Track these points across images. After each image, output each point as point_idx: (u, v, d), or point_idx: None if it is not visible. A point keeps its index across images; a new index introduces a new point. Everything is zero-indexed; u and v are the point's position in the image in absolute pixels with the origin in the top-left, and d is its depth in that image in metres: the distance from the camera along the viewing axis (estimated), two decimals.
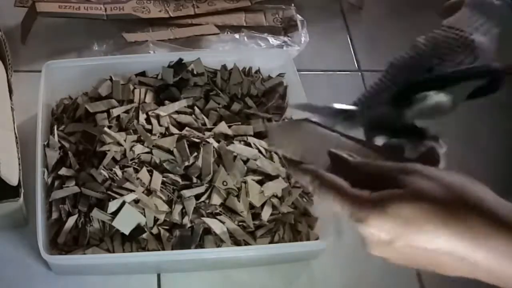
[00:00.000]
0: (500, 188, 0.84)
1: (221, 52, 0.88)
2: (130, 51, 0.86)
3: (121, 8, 0.90)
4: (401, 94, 0.55)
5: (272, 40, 0.91)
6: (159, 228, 0.67)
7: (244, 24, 0.93)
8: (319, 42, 0.95)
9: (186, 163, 0.70)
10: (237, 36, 0.91)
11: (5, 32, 0.75)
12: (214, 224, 0.68)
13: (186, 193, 0.68)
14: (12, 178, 0.64)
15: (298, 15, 0.94)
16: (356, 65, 0.96)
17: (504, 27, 0.57)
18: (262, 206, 0.70)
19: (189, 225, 0.68)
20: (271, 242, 0.69)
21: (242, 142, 0.73)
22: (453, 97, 0.54)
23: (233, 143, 0.72)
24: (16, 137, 0.69)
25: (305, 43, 0.92)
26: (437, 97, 0.54)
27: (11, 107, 0.73)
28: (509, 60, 0.58)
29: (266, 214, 0.70)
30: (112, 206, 0.65)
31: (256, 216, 0.70)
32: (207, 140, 0.71)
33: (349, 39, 0.99)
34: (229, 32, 0.92)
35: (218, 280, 0.71)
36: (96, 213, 0.66)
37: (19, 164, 0.67)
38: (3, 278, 0.68)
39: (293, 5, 0.96)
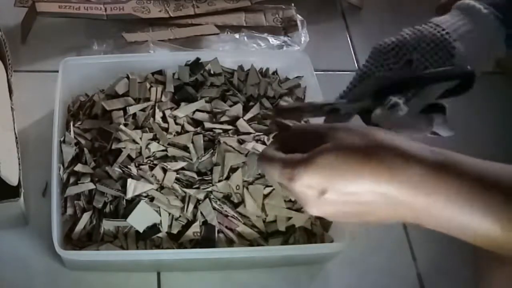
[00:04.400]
0: None
1: (238, 53, 0.88)
2: (130, 51, 0.86)
3: (121, 8, 0.90)
4: (382, 91, 0.56)
5: (272, 40, 0.91)
6: (177, 221, 0.68)
7: (244, 24, 0.93)
8: (319, 42, 0.95)
9: (201, 160, 0.70)
10: (237, 36, 0.91)
11: (5, 32, 0.75)
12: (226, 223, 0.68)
13: (200, 189, 0.68)
14: (12, 178, 0.64)
15: (298, 15, 0.95)
16: (356, 65, 0.95)
17: (487, 35, 0.58)
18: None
19: (202, 220, 0.68)
20: (285, 244, 0.69)
21: (259, 142, 0.72)
22: (409, 109, 0.57)
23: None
24: (16, 137, 0.69)
25: (305, 43, 0.92)
26: (400, 107, 0.56)
27: (11, 107, 0.73)
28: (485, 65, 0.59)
29: (281, 224, 0.70)
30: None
31: (270, 223, 0.70)
32: (223, 137, 0.71)
33: (349, 39, 0.99)
34: (229, 32, 0.92)
35: (218, 279, 0.71)
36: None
37: (19, 164, 0.67)
38: (3, 279, 0.68)
39: (293, 5, 0.96)
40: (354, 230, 0.68)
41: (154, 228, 0.67)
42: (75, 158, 0.72)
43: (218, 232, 0.68)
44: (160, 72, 0.80)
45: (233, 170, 0.70)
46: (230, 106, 0.77)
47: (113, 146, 0.71)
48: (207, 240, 0.67)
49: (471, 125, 0.89)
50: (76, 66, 0.78)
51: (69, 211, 0.69)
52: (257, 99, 0.80)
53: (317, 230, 0.71)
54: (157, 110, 0.74)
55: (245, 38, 0.91)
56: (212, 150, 0.70)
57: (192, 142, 0.71)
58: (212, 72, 0.80)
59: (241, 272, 0.71)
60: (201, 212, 0.68)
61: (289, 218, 0.70)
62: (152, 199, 0.68)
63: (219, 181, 0.69)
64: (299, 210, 0.71)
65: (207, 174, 0.70)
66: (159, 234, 0.67)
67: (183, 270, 0.71)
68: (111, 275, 0.69)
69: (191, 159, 0.70)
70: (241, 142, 0.72)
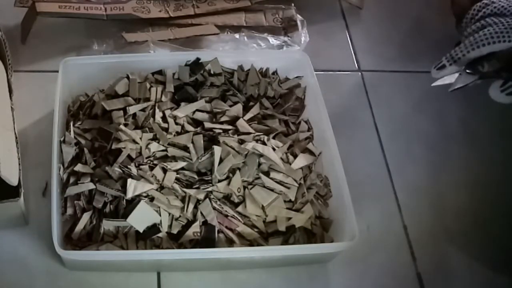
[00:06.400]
0: (501, 189, 0.85)
1: (238, 53, 0.88)
2: (130, 51, 0.86)
3: (121, 8, 0.90)
4: None
5: (272, 40, 0.91)
6: (177, 221, 0.68)
7: (244, 24, 0.93)
8: (319, 42, 0.95)
9: (201, 160, 0.70)
10: (237, 36, 0.91)
11: (5, 32, 0.75)
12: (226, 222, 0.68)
13: (200, 189, 0.69)
14: (12, 178, 0.64)
15: (298, 15, 0.95)
16: (356, 65, 0.96)
17: None
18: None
19: (202, 220, 0.68)
20: (285, 244, 0.69)
21: (259, 142, 0.73)
22: None
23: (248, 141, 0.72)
24: (16, 137, 0.70)
25: (305, 43, 0.92)
26: None
27: (11, 107, 0.73)
28: None
29: (281, 224, 0.70)
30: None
31: (270, 223, 0.70)
32: (223, 137, 0.71)
33: (349, 39, 0.99)
34: (229, 32, 0.92)
35: (218, 279, 0.71)
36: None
37: (19, 164, 0.67)
38: (3, 279, 0.68)
39: (293, 5, 0.96)
40: None
41: (154, 228, 0.67)
42: (75, 158, 0.72)
43: (218, 232, 0.68)
44: (160, 72, 0.80)
45: (233, 170, 0.70)
46: (230, 106, 0.77)
47: (113, 146, 0.71)
48: (207, 240, 0.67)
49: (471, 126, 0.89)
50: (76, 66, 0.78)
51: (69, 211, 0.69)
52: (257, 99, 0.80)
53: (317, 230, 0.71)
54: (157, 110, 0.74)
55: (245, 38, 0.91)
56: (212, 150, 0.70)
57: (192, 142, 0.71)
58: (212, 72, 0.80)
59: (241, 272, 0.71)
60: (201, 212, 0.68)
61: (289, 218, 0.70)
62: (152, 199, 0.68)
63: (219, 181, 0.69)
64: (299, 210, 0.71)
65: (207, 174, 0.70)
66: (159, 234, 0.67)
67: (183, 270, 0.71)
68: (111, 275, 0.69)
69: (191, 159, 0.70)
70: (241, 142, 0.72)
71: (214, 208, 0.68)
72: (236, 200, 0.70)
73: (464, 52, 0.70)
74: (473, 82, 0.72)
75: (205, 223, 0.68)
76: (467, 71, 0.71)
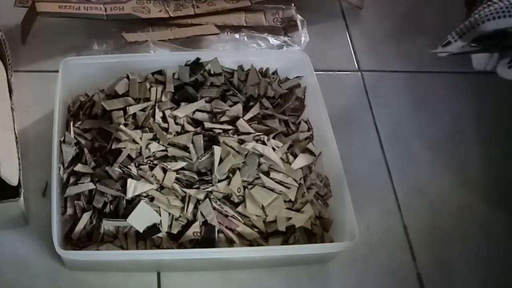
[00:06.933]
0: (501, 189, 0.85)
1: (238, 53, 0.89)
2: (130, 51, 0.86)
3: (121, 8, 0.90)
4: None
5: (272, 40, 0.91)
6: (177, 221, 0.68)
7: (244, 24, 0.93)
8: (319, 42, 0.95)
9: (201, 160, 0.70)
10: (237, 36, 0.91)
11: (5, 32, 0.76)
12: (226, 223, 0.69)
13: (200, 189, 0.69)
14: (12, 178, 0.64)
15: (298, 15, 0.95)
16: (356, 65, 0.96)
17: None
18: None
19: (202, 220, 0.68)
20: (285, 244, 0.69)
21: (259, 142, 0.73)
22: None
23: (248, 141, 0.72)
24: (16, 137, 0.70)
25: (305, 43, 0.92)
26: None
27: (11, 107, 0.73)
28: None
29: (281, 224, 0.70)
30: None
31: (270, 223, 0.70)
32: (223, 137, 0.71)
33: (349, 39, 0.99)
34: (229, 32, 0.92)
35: (218, 279, 0.71)
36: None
37: (19, 164, 0.67)
38: (3, 279, 0.68)
39: (293, 5, 0.96)
40: None
41: (154, 228, 0.67)
42: (75, 158, 0.72)
43: (218, 232, 0.68)
44: (160, 72, 0.80)
45: (233, 170, 0.70)
46: (230, 106, 0.77)
47: (113, 146, 0.71)
48: (207, 240, 0.67)
49: (471, 125, 0.89)
50: (76, 66, 0.78)
51: (69, 211, 0.69)
52: (257, 99, 0.80)
53: (317, 230, 0.71)
54: (157, 110, 0.74)
55: (245, 38, 0.91)
56: (212, 150, 0.70)
57: (192, 142, 0.71)
58: (212, 72, 0.80)
59: (241, 272, 0.71)
60: (201, 212, 0.68)
61: (289, 218, 0.70)
62: (152, 199, 0.68)
63: (219, 181, 0.69)
64: (299, 210, 0.71)
65: (207, 174, 0.70)
66: (159, 234, 0.67)
67: (183, 270, 0.71)
68: (111, 275, 0.69)
69: (191, 159, 0.70)
70: (241, 142, 0.72)
71: (214, 208, 0.68)
72: (236, 200, 0.70)
73: (469, 27, 0.71)
74: (472, 53, 0.73)
75: (205, 223, 0.68)
76: (472, 44, 0.72)
